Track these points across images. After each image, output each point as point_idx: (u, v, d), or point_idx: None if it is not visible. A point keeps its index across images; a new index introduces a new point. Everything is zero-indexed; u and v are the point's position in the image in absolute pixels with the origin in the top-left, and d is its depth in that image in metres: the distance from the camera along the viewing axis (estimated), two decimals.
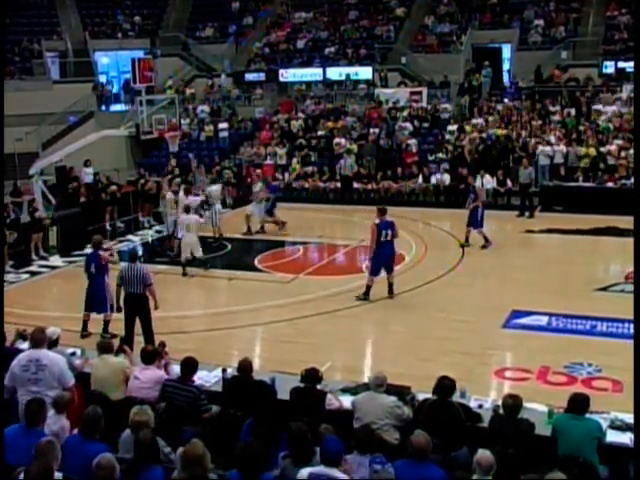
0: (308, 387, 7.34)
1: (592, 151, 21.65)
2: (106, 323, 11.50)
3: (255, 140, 26.88)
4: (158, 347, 7.98)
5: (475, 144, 23.22)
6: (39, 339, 7.16)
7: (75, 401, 6.87)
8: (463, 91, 27.67)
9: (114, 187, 21.34)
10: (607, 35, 27.65)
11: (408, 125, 25.45)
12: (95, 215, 19.80)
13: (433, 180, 22.56)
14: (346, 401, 7.39)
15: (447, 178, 22.32)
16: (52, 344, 7.74)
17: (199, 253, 15.37)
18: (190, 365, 7.42)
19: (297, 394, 7.33)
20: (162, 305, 13.22)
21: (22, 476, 5.05)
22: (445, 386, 6.91)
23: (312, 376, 7.40)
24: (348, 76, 29.09)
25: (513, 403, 6.62)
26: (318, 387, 7.39)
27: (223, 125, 27.76)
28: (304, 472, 5.47)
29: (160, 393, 7.33)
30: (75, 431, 6.10)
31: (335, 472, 5.42)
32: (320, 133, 26.22)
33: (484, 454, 5.46)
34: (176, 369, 7.75)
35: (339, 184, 23.59)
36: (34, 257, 16.74)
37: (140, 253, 18.33)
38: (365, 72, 29.41)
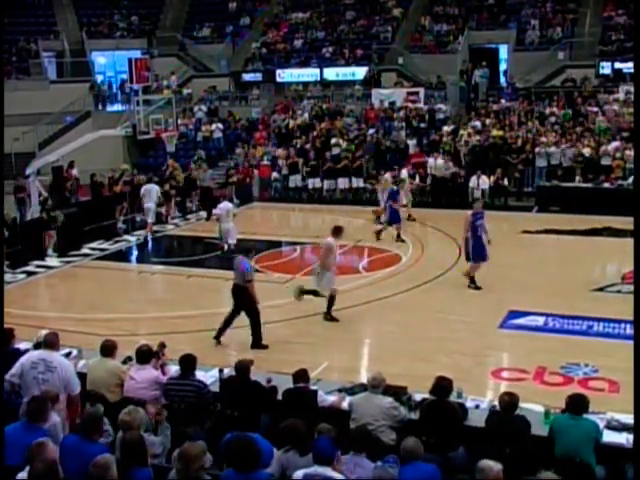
0: (300, 387, 7.37)
1: (588, 151, 21.71)
2: None
3: (251, 141, 26.91)
4: (158, 347, 7.97)
5: (471, 145, 23.26)
6: (52, 342, 7.18)
7: (79, 407, 6.86)
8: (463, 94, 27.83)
9: (126, 179, 21.36)
10: (604, 36, 27.72)
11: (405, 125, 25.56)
12: (95, 214, 19.72)
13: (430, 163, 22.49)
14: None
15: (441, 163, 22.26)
16: (38, 346, 7.74)
17: (233, 240, 16.40)
18: (189, 361, 7.45)
19: (289, 395, 7.36)
20: (159, 305, 13.40)
21: (20, 476, 5.06)
22: (442, 386, 6.93)
23: (303, 376, 7.43)
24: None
25: (510, 400, 6.64)
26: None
27: (216, 126, 27.77)
28: (299, 473, 5.50)
29: (161, 393, 7.35)
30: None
31: (329, 471, 5.44)
32: (317, 133, 26.23)
33: (488, 464, 5.36)
34: (173, 370, 7.76)
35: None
36: (51, 254, 16.92)
37: (138, 253, 18.44)
38: (362, 72, 29.49)
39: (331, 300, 12.05)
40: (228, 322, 11.07)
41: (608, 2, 28.77)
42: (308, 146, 25.15)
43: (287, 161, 24.31)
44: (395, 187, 18.25)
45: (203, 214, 21.02)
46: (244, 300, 10.92)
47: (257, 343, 10.91)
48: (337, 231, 12.21)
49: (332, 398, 7.53)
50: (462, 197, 21.55)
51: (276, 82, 30.61)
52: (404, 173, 20.96)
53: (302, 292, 12.20)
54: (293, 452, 5.81)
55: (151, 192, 19.05)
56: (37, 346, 7.72)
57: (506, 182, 21.69)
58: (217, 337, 11.06)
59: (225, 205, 17.00)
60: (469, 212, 13.80)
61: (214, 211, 17.74)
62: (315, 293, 12.13)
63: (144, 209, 19.21)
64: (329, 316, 12.07)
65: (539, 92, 26.35)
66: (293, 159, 24.25)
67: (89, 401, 6.84)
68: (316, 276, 12.13)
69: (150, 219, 18.95)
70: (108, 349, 7.74)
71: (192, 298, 13.69)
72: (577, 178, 21.08)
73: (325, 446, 5.60)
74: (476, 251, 13.41)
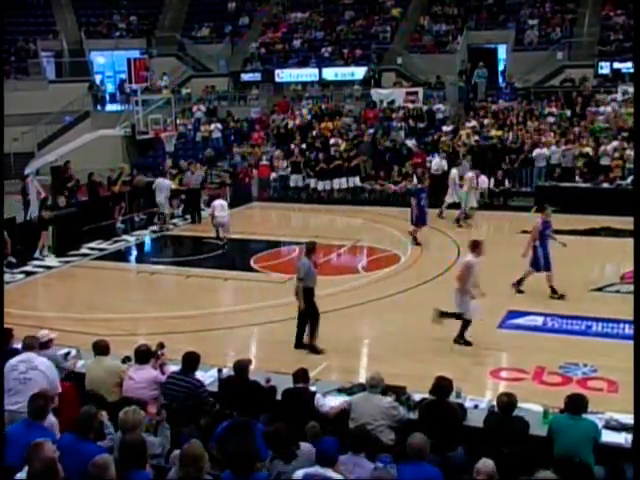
0: (299, 387, 7.36)
1: (587, 151, 21.71)
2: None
3: (250, 141, 26.88)
4: (157, 347, 7.97)
5: (470, 146, 23.22)
6: (30, 344, 7.31)
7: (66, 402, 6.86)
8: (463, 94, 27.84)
9: (125, 179, 21.33)
10: (603, 36, 27.71)
11: (403, 125, 25.55)
12: (94, 214, 19.70)
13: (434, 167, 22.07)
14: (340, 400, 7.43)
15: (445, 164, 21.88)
16: (43, 345, 7.76)
17: (228, 233, 17.25)
18: (191, 359, 7.48)
19: (289, 395, 7.37)
20: (158, 305, 13.38)
21: (19, 476, 5.05)
22: (442, 386, 6.93)
23: (303, 376, 7.44)
24: None
25: (508, 401, 6.65)
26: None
27: (215, 126, 27.75)
28: (299, 473, 5.49)
29: (160, 392, 7.35)
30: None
31: (330, 472, 5.44)
32: (315, 133, 26.18)
33: (485, 463, 5.39)
34: (172, 370, 7.76)
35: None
36: (38, 255, 16.73)
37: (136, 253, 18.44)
38: (361, 72, 29.48)
39: (465, 324, 10.87)
40: (301, 326, 10.84)
41: (607, 2, 28.75)
42: (304, 146, 25.13)
43: (289, 160, 24.30)
44: (420, 186, 18.11)
45: (204, 214, 20.95)
46: (305, 301, 10.71)
47: (311, 345, 10.76)
48: (476, 246, 10.88)
49: (331, 404, 7.44)
50: None
51: (275, 82, 30.58)
52: (469, 174, 19.47)
53: (441, 314, 11.01)
54: (277, 460, 5.79)
55: (162, 186, 19.53)
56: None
57: (507, 183, 21.69)
58: (298, 345, 10.81)
59: (219, 202, 17.60)
60: (539, 219, 13.33)
61: (208, 211, 17.99)
62: (457, 316, 10.86)
63: (156, 203, 19.62)
64: (461, 340, 10.87)
65: (538, 92, 26.33)
66: (296, 158, 24.23)
67: (91, 402, 6.81)
68: (457, 297, 10.82)
69: (161, 213, 19.56)
70: (103, 348, 7.76)
71: (191, 298, 13.69)
72: (577, 178, 21.07)
73: (329, 447, 5.60)
74: (546, 260, 12.98)
